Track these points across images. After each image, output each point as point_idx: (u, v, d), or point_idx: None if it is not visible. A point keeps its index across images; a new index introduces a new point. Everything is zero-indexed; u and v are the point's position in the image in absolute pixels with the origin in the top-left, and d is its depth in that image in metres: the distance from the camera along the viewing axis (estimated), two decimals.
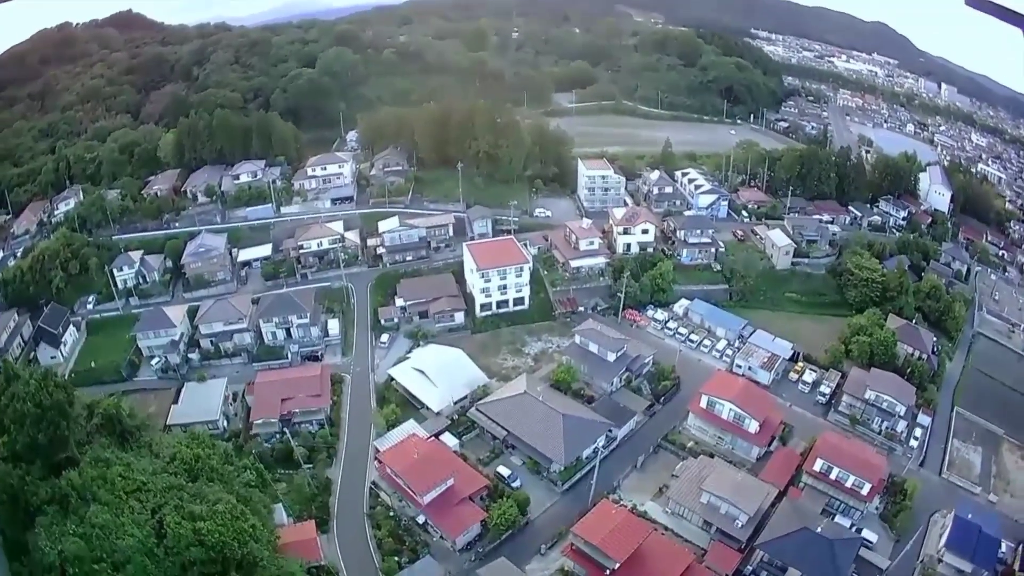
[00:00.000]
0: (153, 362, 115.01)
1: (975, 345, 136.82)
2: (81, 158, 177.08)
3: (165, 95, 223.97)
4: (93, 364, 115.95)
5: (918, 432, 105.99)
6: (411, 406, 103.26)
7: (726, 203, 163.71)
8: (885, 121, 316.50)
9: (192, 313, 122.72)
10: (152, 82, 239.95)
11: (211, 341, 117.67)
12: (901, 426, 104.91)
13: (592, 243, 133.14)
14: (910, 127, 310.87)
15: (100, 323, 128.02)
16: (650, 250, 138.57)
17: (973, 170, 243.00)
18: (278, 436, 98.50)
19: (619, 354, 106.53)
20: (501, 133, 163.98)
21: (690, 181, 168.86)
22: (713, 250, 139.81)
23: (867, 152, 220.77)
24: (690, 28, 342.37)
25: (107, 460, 66.41)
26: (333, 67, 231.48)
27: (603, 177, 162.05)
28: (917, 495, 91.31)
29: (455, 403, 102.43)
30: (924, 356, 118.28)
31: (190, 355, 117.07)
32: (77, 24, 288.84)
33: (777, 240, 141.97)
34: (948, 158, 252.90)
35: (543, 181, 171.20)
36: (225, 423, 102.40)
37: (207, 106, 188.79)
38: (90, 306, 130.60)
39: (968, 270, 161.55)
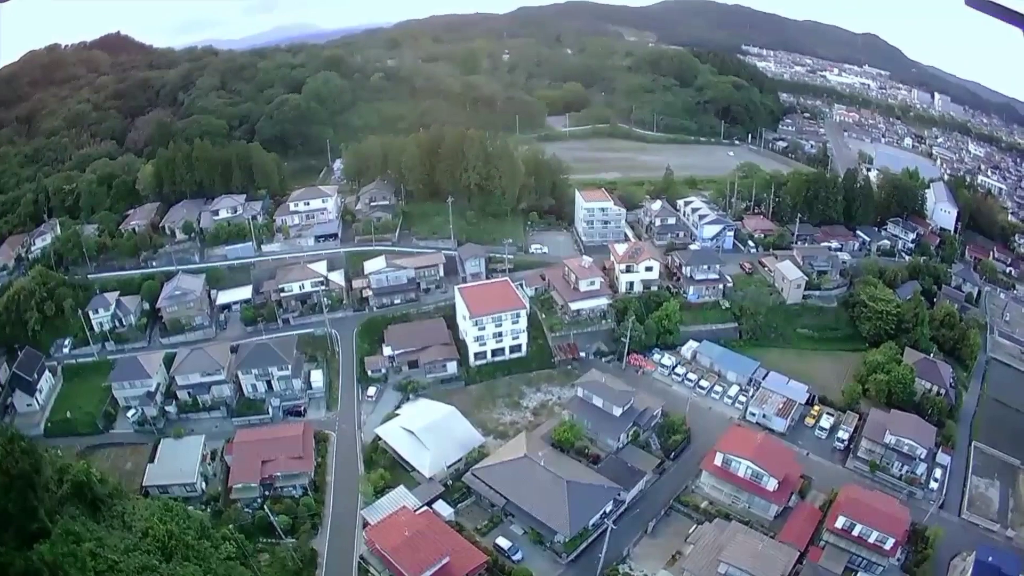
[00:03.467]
0: (129, 414, 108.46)
1: (989, 372, 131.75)
2: (60, 189, 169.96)
3: (150, 121, 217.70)
4: (69, 414, 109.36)
5: (938, 473, 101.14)
6: (401, 468, 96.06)
7: (732, 233, 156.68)
8: (883, 136, 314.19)
9: (169, 361, 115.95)
10: (138, 107, 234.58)
11: (188, 392, 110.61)
12: (921, 469, 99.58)
13: (593, 283, 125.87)
14: (908, 141, 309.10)
15: (76, 368, 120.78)
16: (655, 288, 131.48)
17: (975, 183, 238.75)
18: (259, 501, 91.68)
19: (625, 408, 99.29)
20: (493, 162, 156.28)
21: (694, 211, 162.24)
22: (721, 286, 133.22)
23: (868, 170, 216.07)
24: (684, 47, 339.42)
25: (78, 534, 63.01)
26: (320, 92, 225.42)
27: (603, 209, 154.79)
28: (938, 541, 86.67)
29: (448, 467, 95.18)
30: (943, 391, 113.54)
31: (167, 407, 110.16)
32: (66, 46, 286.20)
33: (788, 273, 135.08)
34: (949, 172, 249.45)
35: (538, 214, 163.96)
36: (203, 485, 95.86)
37: (191, 133, 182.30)
38: (66, 350, 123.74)
39: (979, 292, 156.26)
